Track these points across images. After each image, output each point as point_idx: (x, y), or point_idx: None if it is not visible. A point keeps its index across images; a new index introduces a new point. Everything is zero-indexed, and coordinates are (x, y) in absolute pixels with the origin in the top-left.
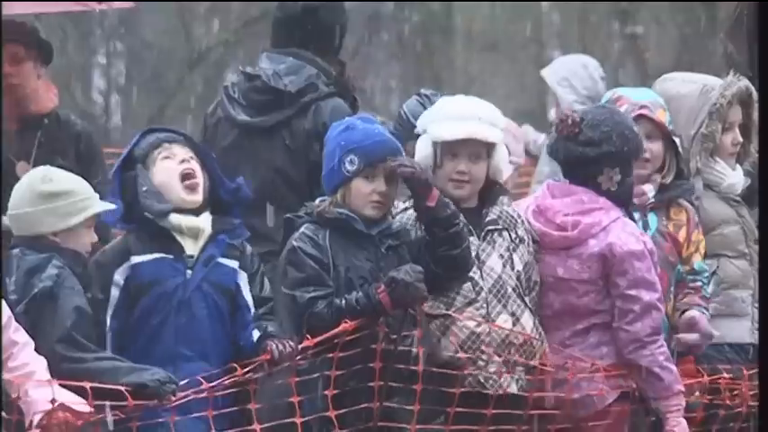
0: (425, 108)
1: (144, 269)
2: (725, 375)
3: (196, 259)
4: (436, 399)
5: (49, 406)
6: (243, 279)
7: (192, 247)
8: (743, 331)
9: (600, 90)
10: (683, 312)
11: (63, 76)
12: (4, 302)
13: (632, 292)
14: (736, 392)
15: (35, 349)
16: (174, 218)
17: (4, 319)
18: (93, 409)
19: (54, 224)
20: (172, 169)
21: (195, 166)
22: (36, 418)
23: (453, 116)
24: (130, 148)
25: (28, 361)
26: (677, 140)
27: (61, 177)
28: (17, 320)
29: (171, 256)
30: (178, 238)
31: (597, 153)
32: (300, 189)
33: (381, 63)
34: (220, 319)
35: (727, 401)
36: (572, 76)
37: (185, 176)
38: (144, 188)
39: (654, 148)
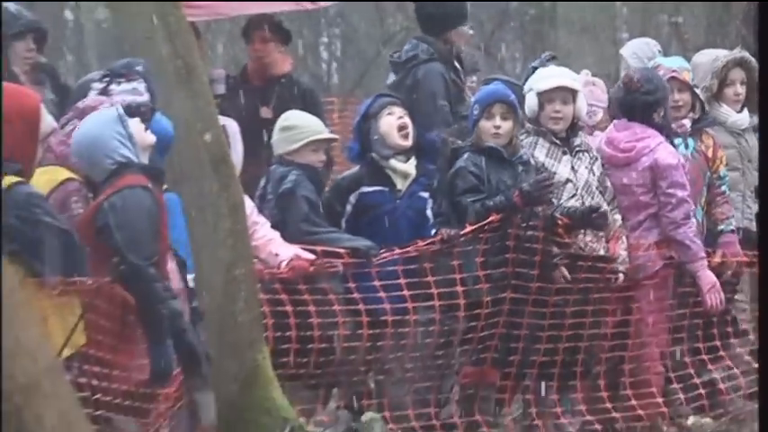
0: None
1: (369, 197)
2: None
3: (403, 194)
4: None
5: (290, 256)
6: (429, 204)
7: (401, 184)
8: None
9: (659, 61)
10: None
11: (300, 50)
12: (247, 199)
13: (671, 191)
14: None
15: (283, 235)
16: (393, 162)
17: (249, 210)
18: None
19: (284, 147)
20: (392, 122)
21: (408, 121)
22: (283, 264)
23: (549, 75)
24: (367, 108)
25: (265, 233)
26: (698, 91)
27: (294, 117)
28: (272, 214)
29: (387, 189)
30: (393, 177)
31: (654, 98)
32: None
33: (510, 42)
34: (415, 233)
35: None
36: (638, 51)
37: (401, 128)
38: (375, 137)
39: (683, 97)
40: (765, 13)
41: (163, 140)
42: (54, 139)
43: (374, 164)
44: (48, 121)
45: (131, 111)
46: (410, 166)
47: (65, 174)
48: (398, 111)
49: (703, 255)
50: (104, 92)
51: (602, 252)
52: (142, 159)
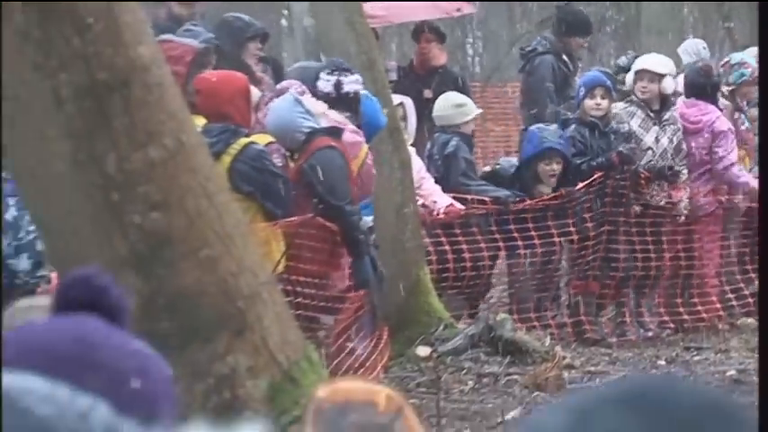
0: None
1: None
2: None
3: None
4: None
5: (446, 203)
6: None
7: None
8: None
9: (703, 56)
10: None
11: (453, 47)
12: (418, 159)
13: (722, 149)
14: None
15: (444, 187)
16: (538, 187)
17: (418, 167)
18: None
19: (455, 119)
20: (546, 171)
21: (558, 170)
22: (441, 212)
23: (642, 61)
24: (537, 151)
25: (429, 186)
26: None
27: (460, 97)
28: (436, 171)
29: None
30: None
31: (718, 81)
32: (530, 106)
33: (605, 41)
34: None
35: None
36: (688, 48)
37: (551, 175)
38: (530, 173)
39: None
40: (766, 13)
41: (372, 124)
42: (261, 114)
43: (523, 183)
44: (255, 92)
45: (356, 97)
46: (548, 189)
47: (268, 138)
48: (556, 160)
49: (748, 181)
50: (337, 84)
51: (663, 201)
52: (322, 123)
